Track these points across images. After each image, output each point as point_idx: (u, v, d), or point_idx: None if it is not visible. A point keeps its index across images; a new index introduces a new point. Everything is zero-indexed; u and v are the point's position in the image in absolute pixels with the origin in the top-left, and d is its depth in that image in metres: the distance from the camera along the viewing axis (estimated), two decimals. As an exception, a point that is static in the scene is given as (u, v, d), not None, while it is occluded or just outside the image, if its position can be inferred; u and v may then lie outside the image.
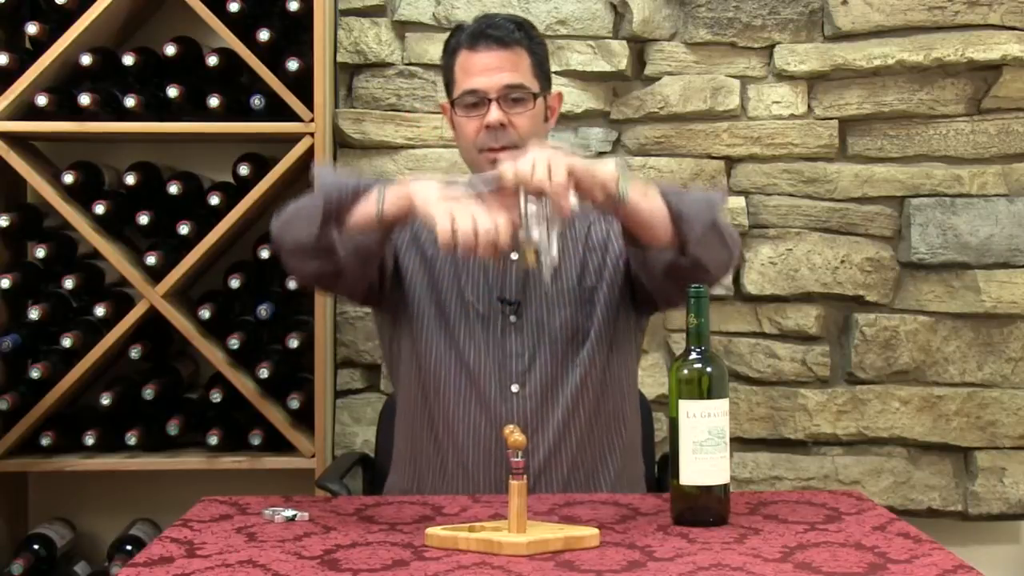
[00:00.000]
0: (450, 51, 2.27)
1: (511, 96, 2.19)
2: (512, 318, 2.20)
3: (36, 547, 3.00)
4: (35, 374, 2.89)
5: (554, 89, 2.34)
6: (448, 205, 1.86)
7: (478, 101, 2.19)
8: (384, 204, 1.95)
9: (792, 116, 3.15)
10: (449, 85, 2.27)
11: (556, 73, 3.10)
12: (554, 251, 1.86)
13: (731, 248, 2.10)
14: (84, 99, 2.87)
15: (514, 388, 2.18)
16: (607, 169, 1.93)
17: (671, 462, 1.85)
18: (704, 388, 1.83)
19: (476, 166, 2.22)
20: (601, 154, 3.14)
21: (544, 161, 1.86)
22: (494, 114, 2.17)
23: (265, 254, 2.94)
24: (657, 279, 2.09)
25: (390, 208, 1.95)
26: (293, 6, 2.93)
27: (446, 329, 2.21)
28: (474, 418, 2.18)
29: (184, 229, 2.93)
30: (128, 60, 2.93)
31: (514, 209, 1.87)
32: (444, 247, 1.84)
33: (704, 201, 2.04)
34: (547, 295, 2.21)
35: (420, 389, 2.22)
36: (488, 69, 2.19)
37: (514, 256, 2.21)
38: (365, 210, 1.98)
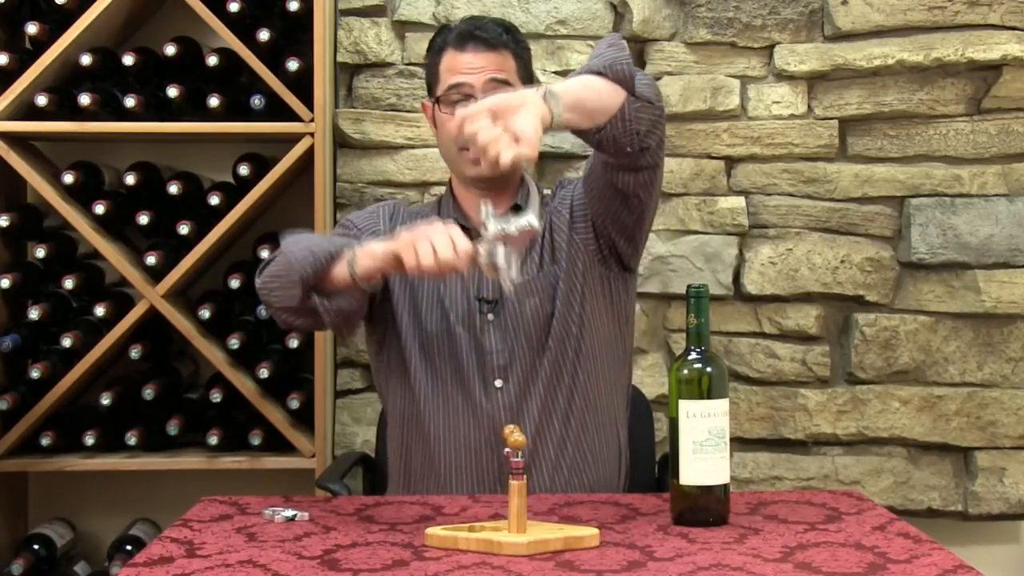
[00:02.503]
0: (436, 50, 2.29)
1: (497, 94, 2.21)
2: (490, 316, 2.21)
3: (36, 547, 3.00)
4: (35, 374, 2.89)
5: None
6: (410, 239, 1.92)
7: (462, 98, 2.21)
8: (356, 268, 2.03)
9: (792, 116, 3.15)
10: (433, 83, 2.29)
11: (556, 73, 3.11)
12: (514, 272, 1.88)
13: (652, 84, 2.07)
14: (84, 99, 2.87)
15: (498, 383, 2.20)
16: (532, 102, 1.84)
17: (671, 462, 1.85)
18: (704, 388, 1.83)
19: (457, 163, 2.26)
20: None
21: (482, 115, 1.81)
22: None
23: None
24: (614, 174, 2.12)
25: (362, 270, 2.03)
26: (293, 6, 2.93)
27: (428, 337, 2.23)
28: (463, 418, 2.20)
29: (184, 229, 2.93)
30: (128, 60, 2.93)
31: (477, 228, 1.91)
32: (412, 273, 1.93)
33: (608, 48, 2.02)
34: (523, 292, 2.23)
35: (409, 398, 2.24)
36: (475, 69, 2.22)
37: None
38: (342, 275, 2.05)
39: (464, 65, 2.22)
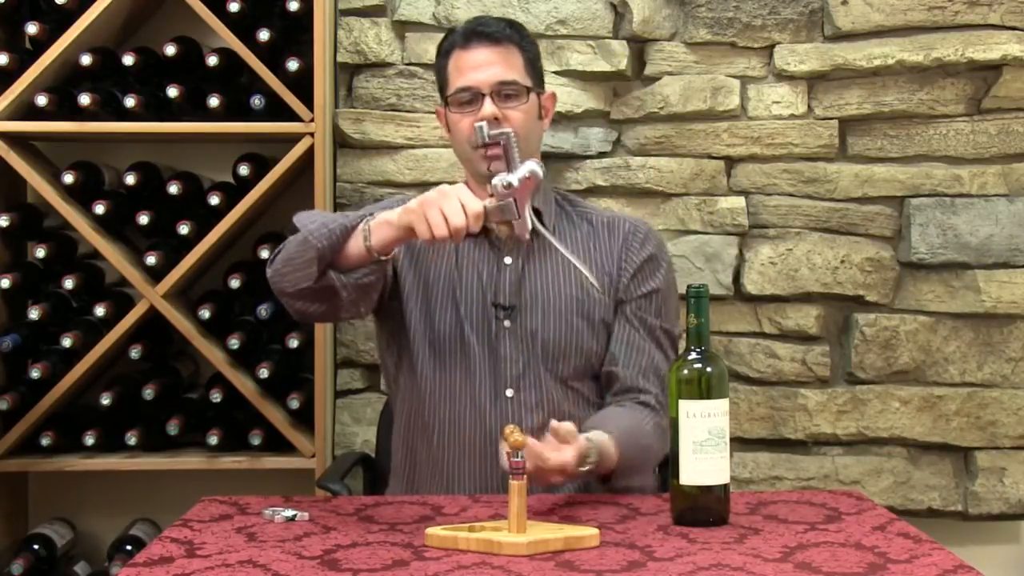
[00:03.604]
0: (443, 53, 2.28)
1: (504, 91, 2.20)
2: (506, 323, 2.19)
3: (36, 547, 3.00)
4: (35, 374, 2.89)
5: (548, 89, 2.34)
6: (420, 208, 1.91)
7: (472, 98, 2.20)
8: (371, 239, 2.00)
9: (792, 116, 3.15)
10: (443, 86, 2.28)
11: (556, 73, 3.11)
12: (527, 222, 1.92)
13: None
14: (84, 99, 2.87)
15: (508, 392, 2.18)
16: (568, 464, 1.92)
17: (671, 462, 1.85)
18: (704, 388, 1.83)
19: (471, 163, 2.23)
20: (602, 154, 3.13)
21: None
22: (488, 108, 2.18)
23: (265, 254, 2.93)
24: None
25: (378, 241, 2.00)
26: (293, 6, 2.93)
27: (439, 339, 2.21)
28: (469, 423, 2.18)
29: (184, 229, 2.93)
30: (128, 60, 2.93)
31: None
32: (428, 243, 1.96)
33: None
34: (543, 300, 2.21)
35: (416, 397, 2.23)
36: (481, 65, 2.21)
37: (508, 260, 2.22)
38: (357, 248, 2.01)
39: (471, 63, 2.21)
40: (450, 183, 3.05)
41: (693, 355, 1.85)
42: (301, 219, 2.07)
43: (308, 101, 2.93)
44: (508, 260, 2.22)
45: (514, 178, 1.89)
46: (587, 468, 1.97)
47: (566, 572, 1.61)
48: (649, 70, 3.15)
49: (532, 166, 1.90)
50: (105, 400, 2.92)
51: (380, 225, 2.00)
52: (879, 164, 3.16)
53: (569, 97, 3.11)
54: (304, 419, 2.99)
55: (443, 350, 2.20)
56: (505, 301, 2.20)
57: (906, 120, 3.15)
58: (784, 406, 3.14)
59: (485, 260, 2.23)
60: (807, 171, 3.15)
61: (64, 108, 2.93)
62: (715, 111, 3.14)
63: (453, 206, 1.88)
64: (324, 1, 2.93)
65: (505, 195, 1.90)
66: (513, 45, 2.24)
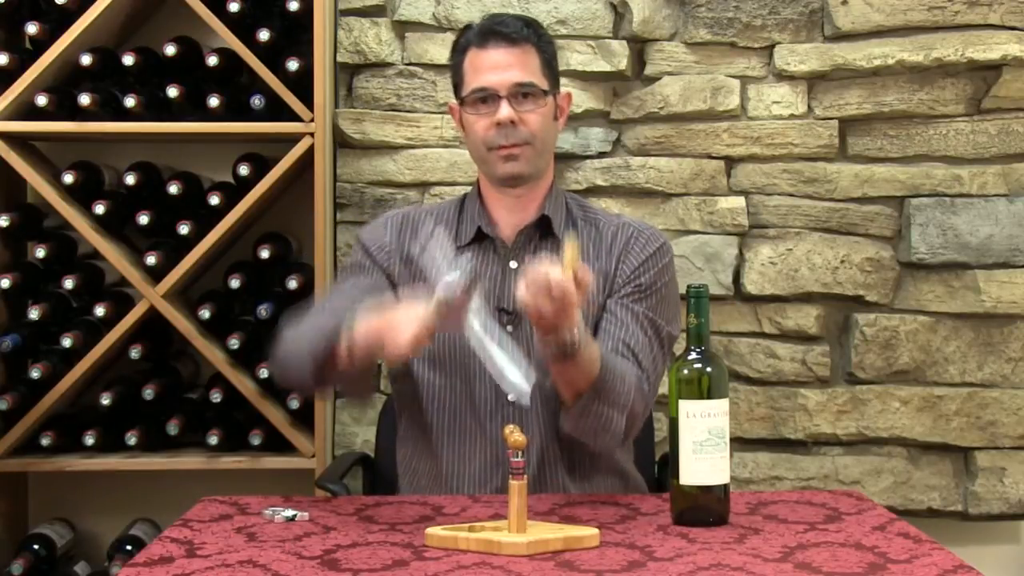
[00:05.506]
0: (459, 50, 2.24)
1: (521, 93, 2.17)
2: (509, 328, 2.17)
3: (36, 547, 3.00)
4: (35, 374, 2.89)
5: (563, 90, 2.33)
6: (380, 337, 1.88)
7: (487, 98, 2.17)
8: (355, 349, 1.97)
9: (792, 116, 3.15)
10: (458, 84, 2.25)
11: (556, 73, 3.11)
12: (474, 323, 1.85)
13: (608, 438, 2.11)
14: (84, 99, 2.87)
15: (510, 397, 2.17)
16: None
17: (671, 462, 1.85)
18: (704, 388, 1.83)
19: (486, 164, 2.21)
20: (602, 154, 3.14)
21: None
22: (504, 111, 2.15)
23: (265, 254, 2.94)
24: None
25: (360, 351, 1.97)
26: (293, 6, 2.93)
27: (442, 342, 2.18)
28: (470, 428, 2.18)
29: (184, 229, 2.93)
30: (128, 60, 2.93)
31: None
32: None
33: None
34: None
35: (417, 402, 2.22)
36: (498, 66, 2.17)
37: (513, 265, 2.20)
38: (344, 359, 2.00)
39: (488, 63, 2.18)
40: (450, 184, 3.12)
41: (693, 355, 1.85)
42: (286, 337, 2.11)
43: (308, 101, 2.93)
44: (514, 265, 2.21)
45: (441, 292, 1.82)
46: (576, 337, 1.92)
47: (566, 572, 1.61)
48: (649, 70, 3.15)
49: (455, 276, 1.81)
50: (105, 400, 2.92)
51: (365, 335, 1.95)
52: (879, 164, 3.16)
53: (569, 97, 3.11)
54: (304, 419, 2.99)
55: (445, 355, 2.19)
56: (510, 306, 2.18)
57: (906, 120, 3.15)
58: (784, 406, 3.14)
59: (490, 265, 2.21)
60: (807, 171, 3.15)
61: (64, 108, 2.93)
62: (715, 111, 3.14)
63: (402, 335, 1.84)
64: (324, 1, 2.93)
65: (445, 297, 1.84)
66: (531, 45, 2.20)
